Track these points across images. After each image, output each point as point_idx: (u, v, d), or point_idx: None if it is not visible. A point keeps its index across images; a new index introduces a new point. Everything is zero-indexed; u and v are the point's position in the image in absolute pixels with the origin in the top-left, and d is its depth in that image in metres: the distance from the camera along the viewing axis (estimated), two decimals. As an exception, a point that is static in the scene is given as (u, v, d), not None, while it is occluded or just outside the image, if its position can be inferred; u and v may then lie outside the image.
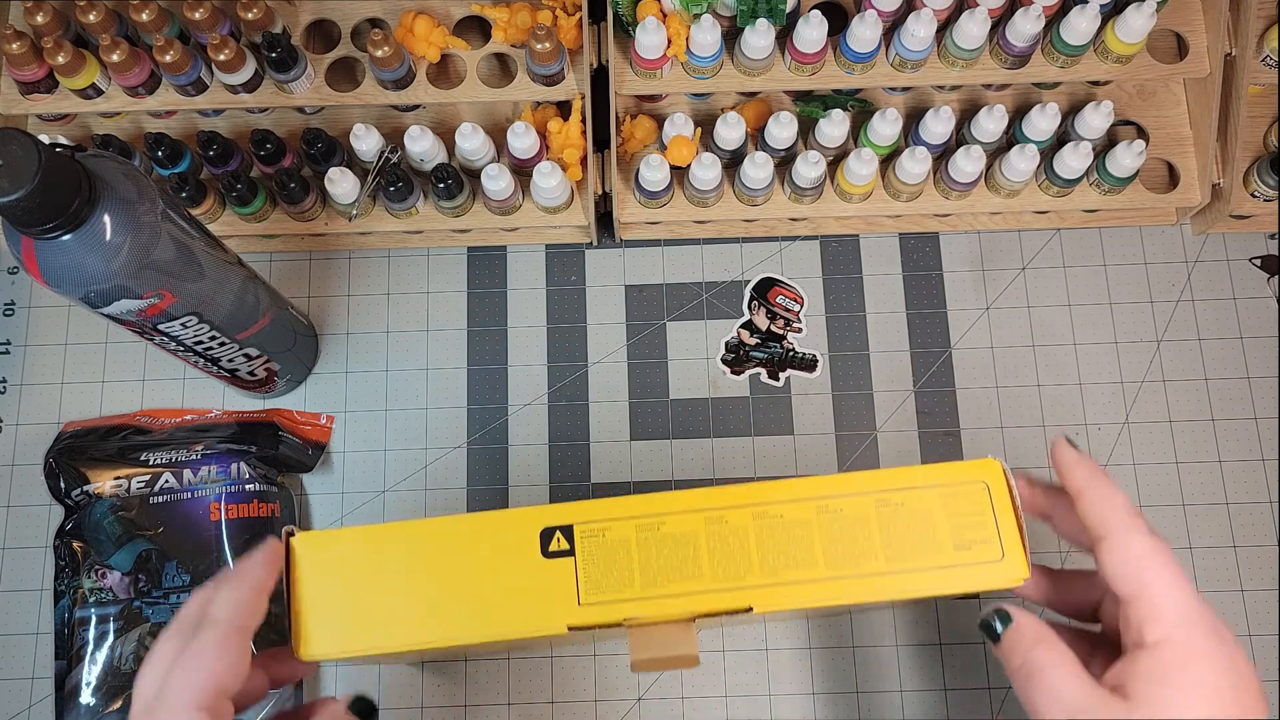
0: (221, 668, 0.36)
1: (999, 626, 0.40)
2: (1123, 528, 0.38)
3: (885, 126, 0.62)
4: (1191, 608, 0.37)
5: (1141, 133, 0.68)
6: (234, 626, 0.37)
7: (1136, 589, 0.37)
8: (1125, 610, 0.38)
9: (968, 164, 0.62)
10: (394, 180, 0.62)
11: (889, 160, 0.65)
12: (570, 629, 0.42)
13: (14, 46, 0.59)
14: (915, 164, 0.62)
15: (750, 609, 0.42)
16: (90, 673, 0.58)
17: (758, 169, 0.62)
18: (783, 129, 0.62)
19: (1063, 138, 0.65)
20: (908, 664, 0.62)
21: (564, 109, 0.66)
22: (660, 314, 0.69)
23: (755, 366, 0.67)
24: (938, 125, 0.62)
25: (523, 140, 0.62)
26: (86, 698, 0.58)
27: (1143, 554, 0.38)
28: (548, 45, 0.59)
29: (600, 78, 0.63)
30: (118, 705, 0.58)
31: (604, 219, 0.68)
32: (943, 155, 0.65)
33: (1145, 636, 0.37)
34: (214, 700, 0.36)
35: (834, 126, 0.63)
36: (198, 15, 0.59)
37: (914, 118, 0.65)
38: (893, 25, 0.62)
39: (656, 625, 0.42)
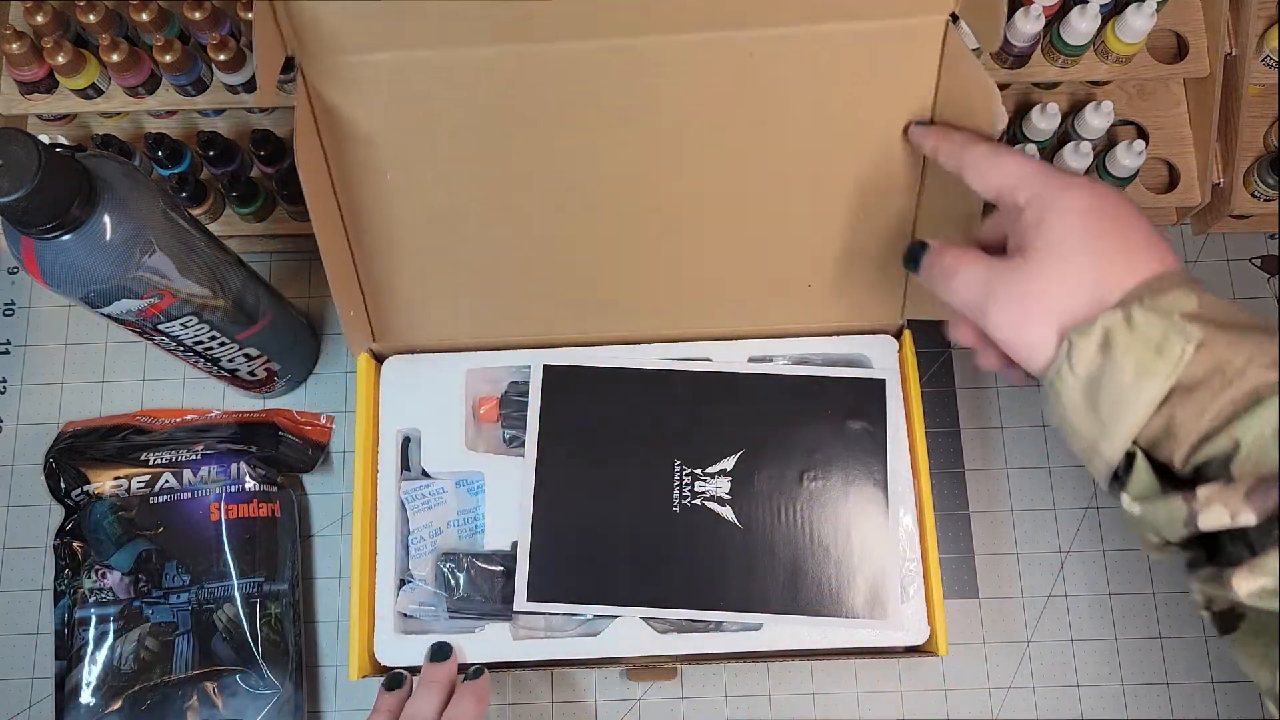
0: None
1: (920, 254, 0.46)
2: (968, 152, 0.45)
3: (885, 126, 0.62)
4: (1037, 168, 0.42)
5: (1141, 133, 0.67)
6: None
7: (995, 188, 0.44)
8: (1000, 207, 0.45)
9: (968, 164, 0.62)
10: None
11: (889, 160, 0.65)
12: None
13: (14, 46, 0.59)
14: (915, 164, 0.62)
15: None
16: (90, 673, 0.58)
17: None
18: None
19: (1063, 138, 0.65)
20: (909, 664, 0.62)
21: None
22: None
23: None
24: (938, 125, 0.62)
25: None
26: (86, 698, 0.58)
27: (985, 160, 0.44)
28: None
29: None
30: (118, 705, 0.58)
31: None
32: (943, 155, 0.65)
33: (1018, 201, 0.42)
34: None
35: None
36: (198, 15, 0.59)
37: (914, 118, 0.65)
38: (893, 25, 0.62)
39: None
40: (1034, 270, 0.40)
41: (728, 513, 0.56)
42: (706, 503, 0.56)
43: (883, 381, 0.58)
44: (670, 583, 0.55)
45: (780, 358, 0.59)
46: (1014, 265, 0.41)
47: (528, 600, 0.55)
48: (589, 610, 0.56)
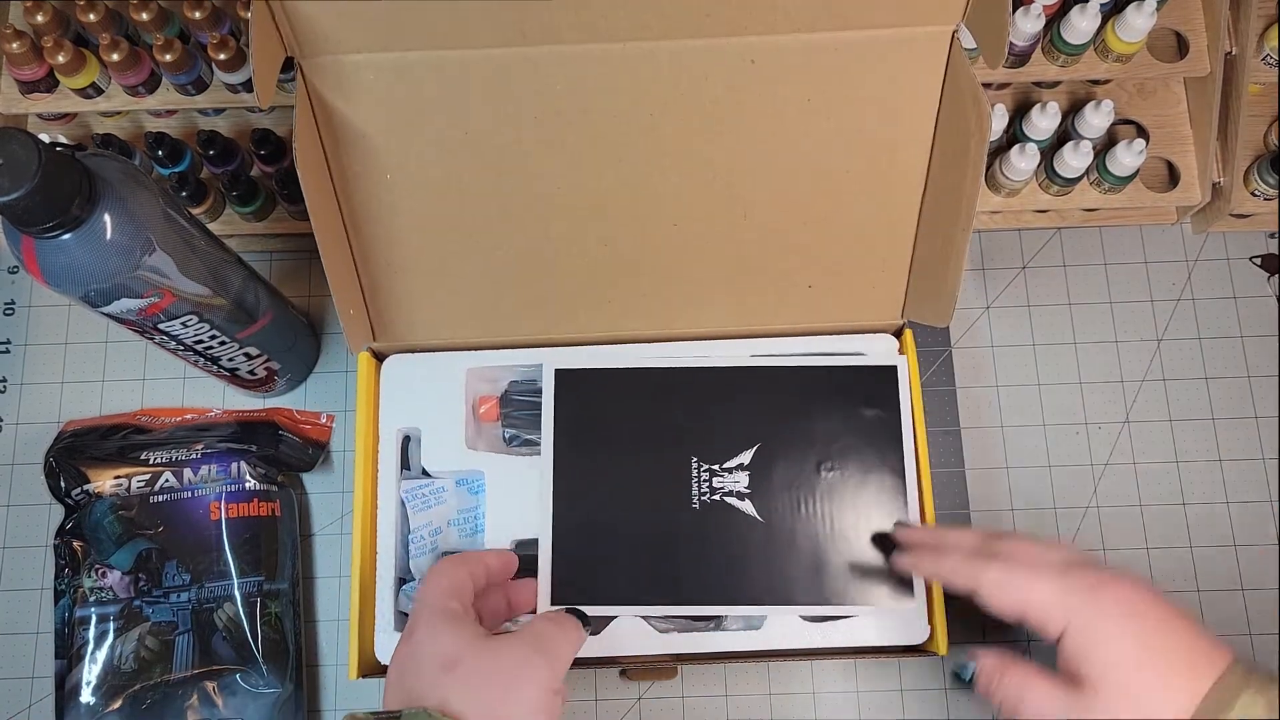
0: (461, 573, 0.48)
1: (967, 676, 0.47)
2: (983, 575, 0.45)
3: (885, 125, 0.62)
4: (1061, 589, 0.43)
5: (1142, 132, 0.67)
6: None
7: (1019, 613, 0.44)
8: (1029, 625, 0.44)
9: (968, 163, 0.62)
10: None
11: (889, 159, 0.65)
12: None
13: (14, 46, 0.59)
14: (915, 163, 0.62)
15: None
16: (90, 672, 0.58)
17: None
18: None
19: (1063, 136, 0.65)
20: (909, 664, 0.62)
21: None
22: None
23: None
24: (938, 124, 0.62)
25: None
26: (86, 697, 0.58)
27: (1004, 585, 0.44)
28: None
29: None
30: (118, 704, 0.58)
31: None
32: (943, 154, 0.65)
33: (1050, 630, 0.43)
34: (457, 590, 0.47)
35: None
36: (198, 15, 0.59)
37: (914, 117, 0.65)
38: (893, 24, 0.62)
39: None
40: (1101, 704, 0.41)
41: (748, 507, 0.56)
42: (726, 498, 0.56)
43: (894, 368, 0.58)
44: (695, 580, 0.55)
45: (781, 357, 0.59)
46: (1081, 699, 0.42)
47: (552, 604, 0.55)
48: (617, 611, 0.55)
